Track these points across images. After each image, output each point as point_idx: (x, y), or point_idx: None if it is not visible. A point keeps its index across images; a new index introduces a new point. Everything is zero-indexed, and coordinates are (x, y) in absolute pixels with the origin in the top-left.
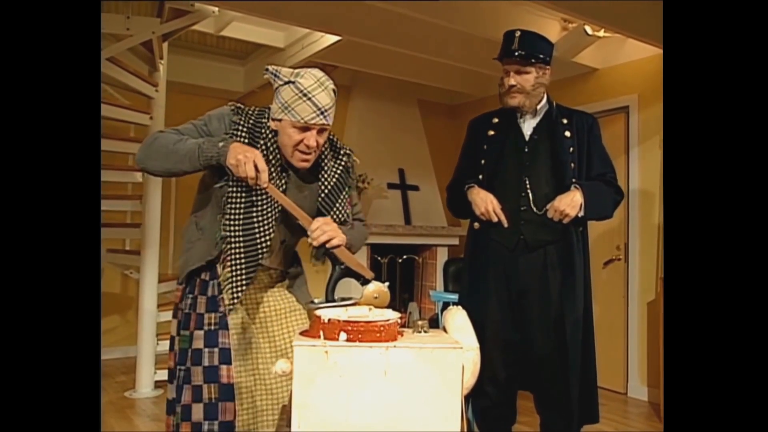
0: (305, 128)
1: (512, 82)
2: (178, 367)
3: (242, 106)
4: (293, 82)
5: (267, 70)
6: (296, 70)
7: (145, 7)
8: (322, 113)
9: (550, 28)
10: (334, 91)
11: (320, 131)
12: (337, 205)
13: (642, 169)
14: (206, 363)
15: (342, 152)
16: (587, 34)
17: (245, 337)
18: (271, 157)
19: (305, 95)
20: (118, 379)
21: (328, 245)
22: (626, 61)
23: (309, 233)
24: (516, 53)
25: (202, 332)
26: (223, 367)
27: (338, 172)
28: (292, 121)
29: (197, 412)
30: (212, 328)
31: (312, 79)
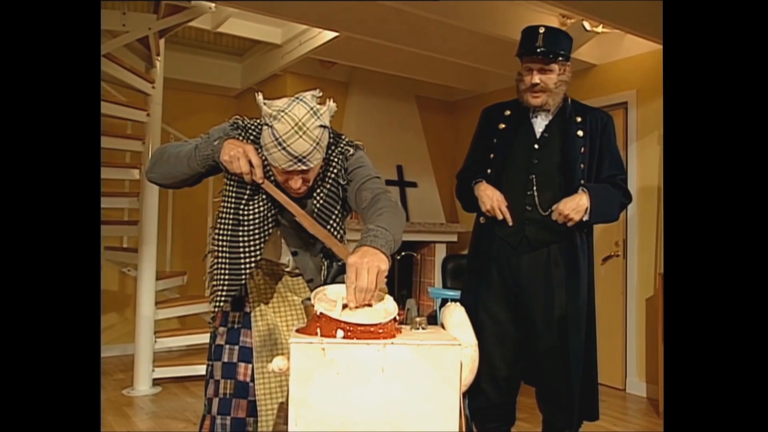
0: (287, 172)
1: (536, 80)
2: (207, 361)
3: (241, 122)
4: (270, 126)
5: (257, 99)
6: (277, 110)
7: (141, 4)
8: (299, 161)
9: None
10: (321, 126)
11: (304, 171)
12: (331, 222)
13: (640, 165)
14: (225, 359)
15: (333, 164)
16: (586, 29)
17: (270, 337)
18: (268, 176)
19: (280, 144)
20: (116, 376)
21: (373, 296)
22: (625, 56)
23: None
24: (539, 50)
25: (225, 329)
26: (241, 364)
27: (327, 186)
28: (272, 164)
29: (215, 406)
30: (235, 326)
31: (289, 124)
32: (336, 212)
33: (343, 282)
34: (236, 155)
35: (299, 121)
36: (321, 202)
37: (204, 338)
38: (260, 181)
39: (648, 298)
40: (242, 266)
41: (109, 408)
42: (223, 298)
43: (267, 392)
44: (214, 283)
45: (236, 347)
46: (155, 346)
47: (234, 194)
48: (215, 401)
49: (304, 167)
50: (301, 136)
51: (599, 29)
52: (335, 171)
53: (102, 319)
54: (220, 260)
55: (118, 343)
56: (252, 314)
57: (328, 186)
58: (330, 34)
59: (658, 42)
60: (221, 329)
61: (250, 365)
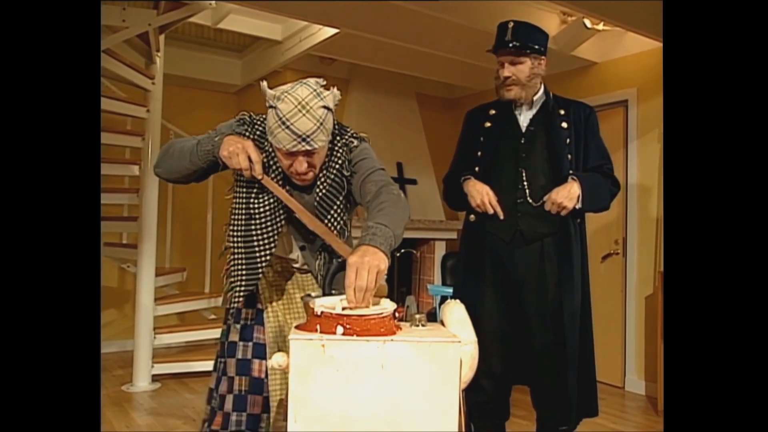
0: (291, 153)
1: (507, 73)
2: (218, 358)
3: (248, 118)
4: (274, 107)
5: (260, 86)
6: (281, 92)
7: None
8: (303, 140)
9: (549, 21)
10: (325, 107)
11: (309, 153)
12: (332, 213)
13: (640, 163)
14: (239, 356)
15: (339, 154)
16: (586, 27)
17: (281, 334)
18: (271, 170)
19: (283, 123)
20: (115, 372)
21: (370, 295)
22: (625, 54)
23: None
24: (510, 44)
25: (238, 326)
26: (256, 361)
27: (330, 176)
28: (277, 147)
29: (229, 402)
30: (248, 322)
31: (292, 103)
32: (337, 204)
33: (343, 278)
34: (235, 151)
35: (302, 101)
36: (323, 192)
37: (203, 335)
38: (259, 177)
39: (647, 296)
40: (258, 260)
41: (109, 404)
42: (242, 293)
43: (278, 388)
44: (232, 279)
45: (250, 344)
46: (154, 343)
47: (244, 189)
48: (229, 398)
49: (308, 147)
50: (304, 115)
51: (600, 27)
52: (339, 162)
53: (101, 315)
54: (236, 256)
55: (117, 339)
56: (264, 311)
57: (332, 177)
58: (330, 31)
59: (658, 40)
60: (234, 326)
61: (264, 361)
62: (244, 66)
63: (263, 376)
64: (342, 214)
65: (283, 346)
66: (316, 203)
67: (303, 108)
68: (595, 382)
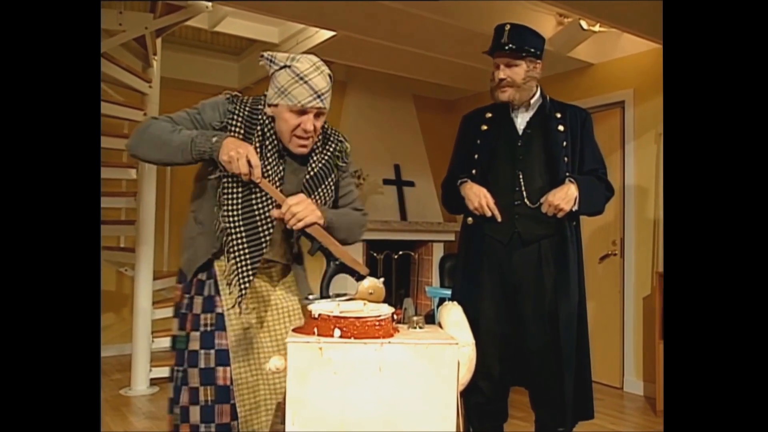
0: (302, 112)
1: (502, 75)
2: (175, 367)
3: (238, 95)
4: (289, 66)
5: (263, 56)
6: (291, 55)
7: (138, 3)
8: (318, 96)
9: (546, 22)
10: (329, 75)
11: (317, 115)
12: (321, 189)
13: (637, 164)
14: (202, 365)
15: (332, 139)
16: (583, 28)
17: (245, 336)
18: (267, 143)
19: (301, 78)
20: (113, 376)
21: (299, 225)
22: (622, 55)
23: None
24: (506, 46)
25: (198, 333)
26: (220, 368)
27: (325, 157)
28: (288, 105)
29: (195, 414)
30: (208, 329)
31: (308, 63)
32: (326, 182)
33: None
34: (236, 156)
35: (316, 62)
36: (316, 169)
37: None
38: (258, 181)
39: (645, 297)
40: (261, 233)
41: (107, 408)
42: (249, 274)
43: (245, 391)
44: (233, 261)
45: (212, 351)
46: (152, 346)
47: None
48: (194, 409)
49: (320, 105)
50: (319, 74)
51: (596, 28)
52: (332, 147)
53: None
54: (236, 236)
55: (115, 342)
56: (226, 314)
57: (326, 158)
58: (327, 34)
59: (655, 41)
60: (194, 334)
61: (228, 368)
62: (241, 69)
63: (228, 383)
64: (330, 193)
65: (249, 349)
66: (308, 177)
67: (318, 68)
68: (590, 386)
